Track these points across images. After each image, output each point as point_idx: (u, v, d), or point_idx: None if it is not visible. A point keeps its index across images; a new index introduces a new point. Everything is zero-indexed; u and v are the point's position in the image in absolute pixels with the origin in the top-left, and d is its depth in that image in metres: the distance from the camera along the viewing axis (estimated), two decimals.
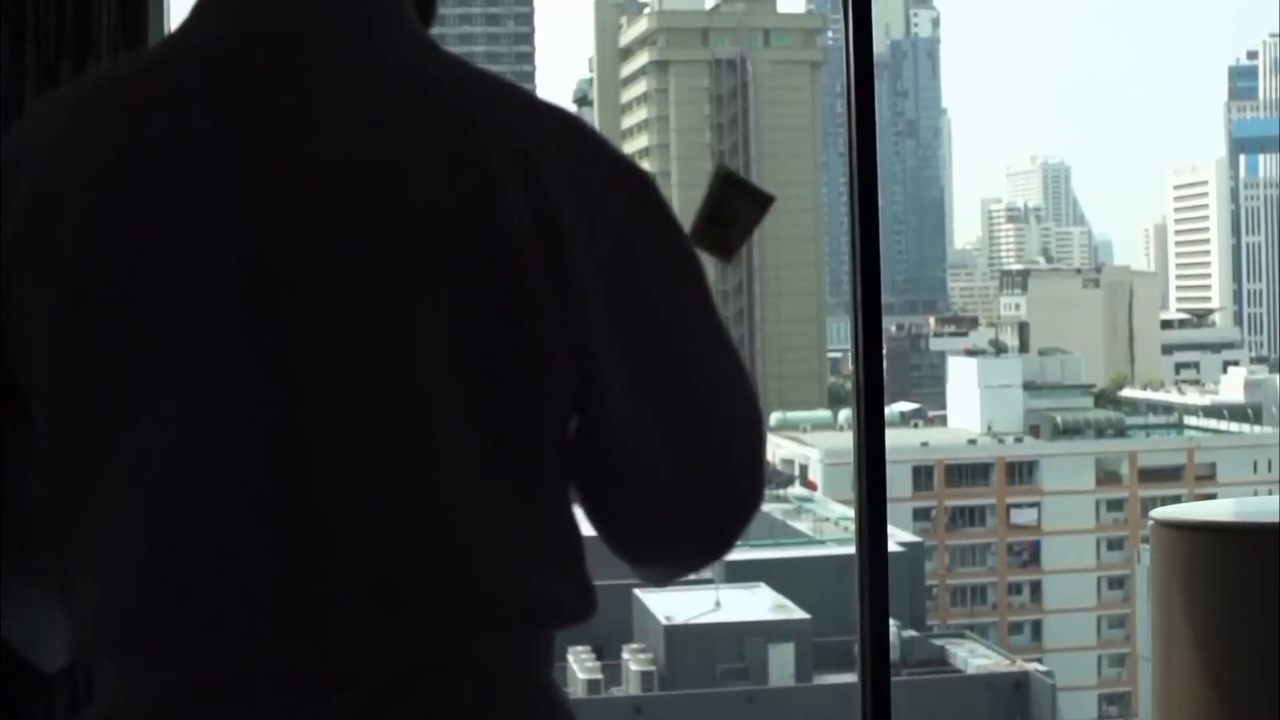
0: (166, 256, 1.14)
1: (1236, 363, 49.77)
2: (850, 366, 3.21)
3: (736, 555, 29.99)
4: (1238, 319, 63.16)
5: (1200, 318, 58.22)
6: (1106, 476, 39.54)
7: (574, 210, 1.18)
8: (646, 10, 50.53)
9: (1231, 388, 44.65)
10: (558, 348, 1.17)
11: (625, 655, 25.63)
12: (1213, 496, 32.10)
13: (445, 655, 1.18)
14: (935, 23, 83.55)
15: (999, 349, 47.98)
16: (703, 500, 1.26)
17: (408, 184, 1.16)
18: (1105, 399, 45.43)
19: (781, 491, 36.10)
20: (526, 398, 1.18)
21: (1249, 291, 66.36)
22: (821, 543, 31.29)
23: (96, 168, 1.17)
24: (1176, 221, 73.70)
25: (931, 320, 56.08)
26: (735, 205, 1.45)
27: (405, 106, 1.18)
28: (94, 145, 1.18)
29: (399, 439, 1.15)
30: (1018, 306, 51.63)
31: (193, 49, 1.21)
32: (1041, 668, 29.48)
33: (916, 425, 42.84)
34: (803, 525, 33.27)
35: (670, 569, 1.34)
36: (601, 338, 1.19)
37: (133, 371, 1.14)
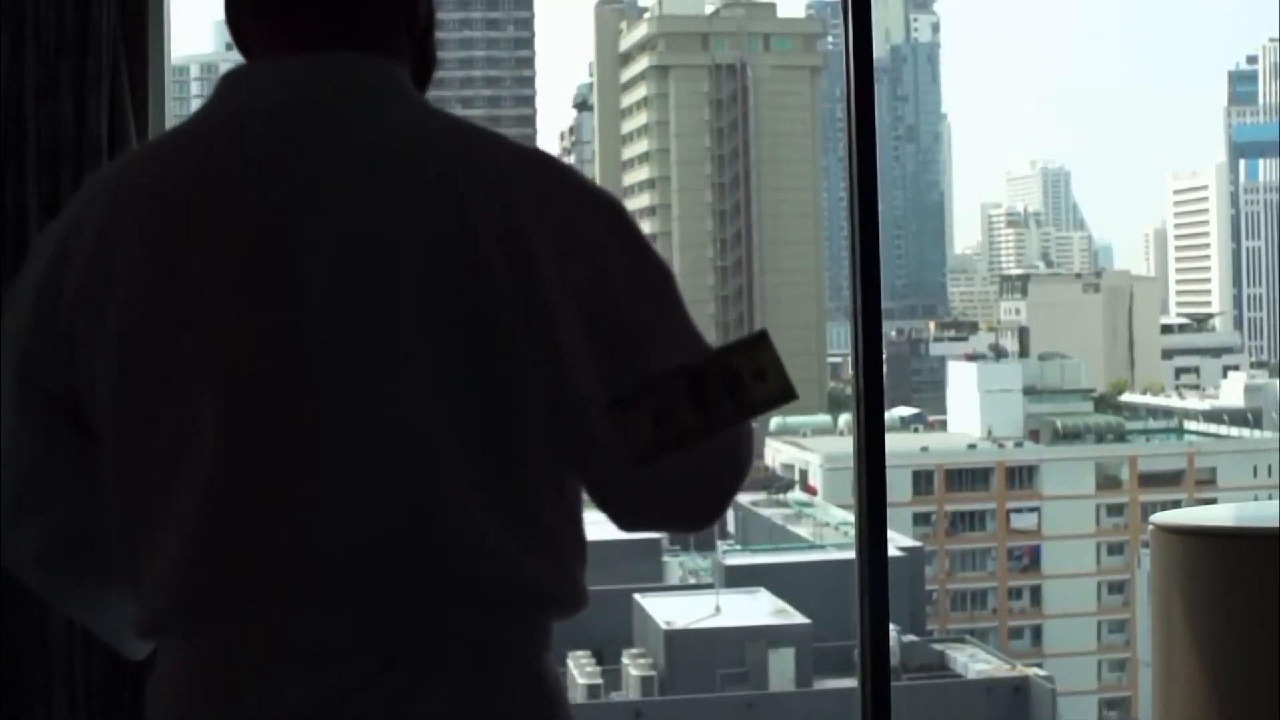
0: (202, 299, 1.36)
1: (1237, 367, 49.71)
2: (850, 371, 3.21)
3: (736, 560, 30.02)
4: (1238, 323, 63.07)
5: (1200, 322, 58.12)
6: (1106, 481, 39.49)
7: (547, 243, 1.37)
8: (646, 15, 50.53)
9: (1232, 392, 44.60)
10: (532, 362, 1.36)
11: (625, 660, 25.62)
12: (1213, 501, 32.06)
13: (437, 634, 1.36)
14: (935, 28, 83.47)
15: (999, 354, 47.93)
16: (690, 480, 1.42)
17: (401, 234, 1.36)
18: (1105, 403, 45.38)
19: (781, 496, 36.08)
20: (507, 407, 1.37)
21: (1249, 296, 66.31)
22: (822, 547, 31.26)
23: (142, 229, 1.39)
24: (1176, 226, 73.65)
25: (931, 325, 56.02)
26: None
27: (399, 163, 1.39)
28: (139, 210, 1.40)
29: (398, 445, 1.35)
30: (1018, 311, 51.57)
31: (219, 121, 1.44)
32: (1042, 672, 29.46)
33: (916, 430, 42.77)
34: (803, 530, 33.24)
35: (669, 533, 1.51)
36: (579, 350, 1.37)
37: (178, 395, 1.37)
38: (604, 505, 1.45)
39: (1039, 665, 32.29)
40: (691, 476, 1.42)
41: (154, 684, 1.43)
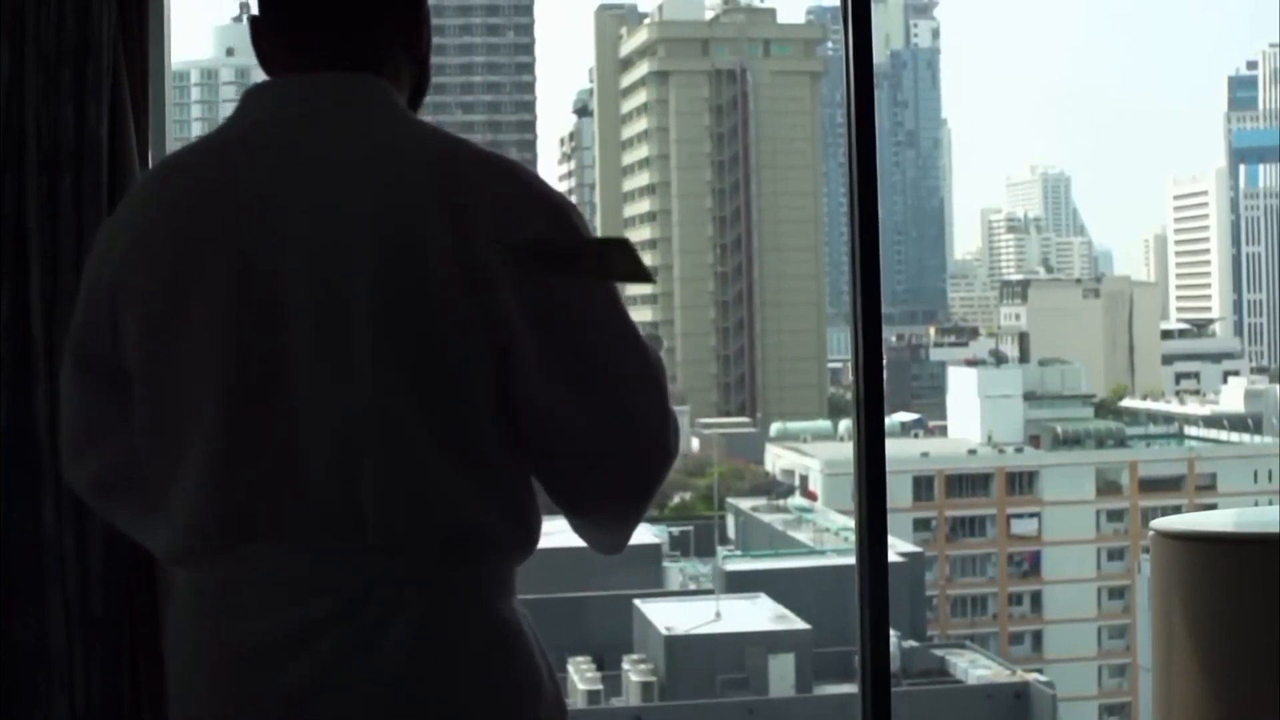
0: (209, 291, 1.63)
1: (1237, 373, 49.69)
2: (850, 377, 3.21)
3: (737, 566, 30.00)
4: (1238, 329, 63.05)
5: (1200, 328, 58.10)
6: (1107, 487, 39.45)
7: (493, 236, 1.58)
8: (646, 21, 50.55)
9: (1232, 398, 44.58)
10: (478, 335, 1.59)
11: (625, 666, 25.59)
12: (1213, 507, 32.09)
13: (398, 577, 1.59)
14: (935, 33, 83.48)
15: (999, 359, 47.90)
16: (617, 454, 1.64)
17: (362, 232, 1.59)
18: (1105, 409, 45.38)
19: (782, 502, 36.07)
20: (460, 384, 1.59)
21: (1249, 301, 66.30)
22: (822, 553, 31.23)
23: (165, 230, 1.68)
24: (1176, 231, 73.64)
25: (931, 330, 56.02)
26: None
27: (370, 172, 1.62)
28: (164, 214, 1.69)
29: (366, 411, 1.58)
30: (1018, 317, 51.56)
31: (235, 135, 1.70)
32: (1042, 678, 29.41)
33: (916, 435, 42.76)
34: (803, 535, 33.22)
35: (606, 521, 1.71)
36: (521, 334, 1.59)
37: (189, 371, 1.64)
38: (546, 484, 1.67)
39: (1039, 671, 32.25)
40: (621, 458, 1.64)
41: (172, 603, 1.73)
